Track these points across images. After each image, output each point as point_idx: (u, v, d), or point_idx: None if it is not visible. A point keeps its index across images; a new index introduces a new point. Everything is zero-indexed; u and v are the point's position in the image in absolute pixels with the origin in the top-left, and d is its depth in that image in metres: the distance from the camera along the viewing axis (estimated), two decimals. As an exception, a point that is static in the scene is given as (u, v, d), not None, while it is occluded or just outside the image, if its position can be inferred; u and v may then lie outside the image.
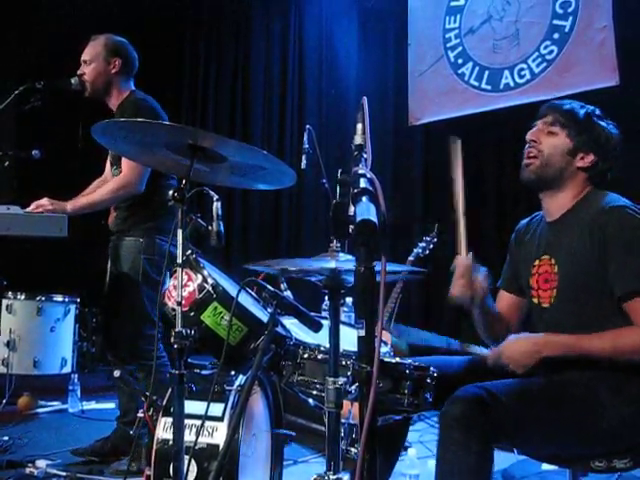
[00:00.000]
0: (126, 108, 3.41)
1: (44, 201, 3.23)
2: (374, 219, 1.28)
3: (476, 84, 5.31)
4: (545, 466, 3.19)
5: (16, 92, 3.31)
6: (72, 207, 3.29)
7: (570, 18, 4.81)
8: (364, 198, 1.35)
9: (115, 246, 3.48)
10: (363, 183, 1.40)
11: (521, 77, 5.05)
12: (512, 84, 5.10)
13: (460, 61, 5.44)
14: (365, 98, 1.65)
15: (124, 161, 3.32)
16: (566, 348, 2.00)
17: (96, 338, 4.39)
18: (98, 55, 3.46)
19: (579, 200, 2.17)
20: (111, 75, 3.47)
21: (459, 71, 5.43)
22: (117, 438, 3.48)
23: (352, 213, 1.35)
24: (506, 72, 5.14)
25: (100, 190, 3.42)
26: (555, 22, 4.89)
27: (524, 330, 2.25)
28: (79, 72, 3.46)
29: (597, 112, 2.20)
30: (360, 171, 1.46)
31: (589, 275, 2.03)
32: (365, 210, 1.30)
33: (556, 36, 4.87)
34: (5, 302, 4.37)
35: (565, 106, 2.20)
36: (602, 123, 2.18)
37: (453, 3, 5.52)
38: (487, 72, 5.26)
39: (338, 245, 1.85)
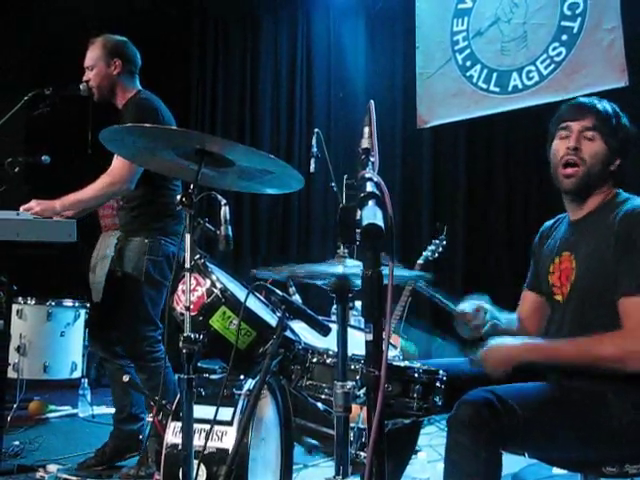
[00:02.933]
0: (129, 109, 3.41)
1: (32, 203, 3.18)
2: (380, 223, 1.28)
3: (484, 86, 5.30)
4: (556, 470, 3.17)
5: (25, 98, 3.31)
6: (61, 205, 3.24)
7: (578, 19, 4.79)
8: (370, 202, 1.35)
9: (121, 246, 3.47)
10: (370, 187, 1.40)
11: (529, 79, 5.04)
12: (520, 86, 5.08)
13: (468, 63, 5.42)
14: (372, 102, 1.64)
15: (116, 156, 3.26)
16: (543, 353, 2.03)
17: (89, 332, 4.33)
18: (98, 59, 3.45)
19: (605, 201, 2.13)
20: (113, 76, 3.46)
21: (467, 73, 5.42)
22: (116, 439, 3.50)
23: (359, 217, 1.34)
24: (514, 74, 5.12)
25: (90, 186, 3.34)
26: (563, 23, 4.87)
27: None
28: (84, 79, 3.46)
29: (618, 110, 2.16)
30: (367, 175, 1.46)
31: (605, 275, 2.01)
32: (371, 214, 1.30)
33: (564, 38, 4.85)
34: (15, 307, 4.39)
35: (599, 107, 2.11)
36: (626, 122, 2.14)
37: (461, 5, 5.51)
38: (495, 74, 5.24)
39: (346, 251, 1.85)
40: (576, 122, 2.11)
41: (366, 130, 1.62)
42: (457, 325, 2.33)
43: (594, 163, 2.08)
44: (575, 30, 4.79)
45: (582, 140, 2.10)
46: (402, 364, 2.01)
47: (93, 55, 3.47)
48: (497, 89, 5.22)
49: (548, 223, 2.40)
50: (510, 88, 5.15)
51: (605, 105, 2.14)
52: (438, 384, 1.95)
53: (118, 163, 3.27)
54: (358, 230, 1.34)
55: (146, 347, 3.34)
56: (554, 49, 4.90)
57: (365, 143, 1.60)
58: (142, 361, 3.35)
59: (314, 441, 2.51)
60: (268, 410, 2.46)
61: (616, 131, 2.10)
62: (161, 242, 3.36)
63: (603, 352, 1.92)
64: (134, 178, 3.29)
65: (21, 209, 3.17)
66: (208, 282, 2.14)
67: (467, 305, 2.30)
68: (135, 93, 3.50)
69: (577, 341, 1.99)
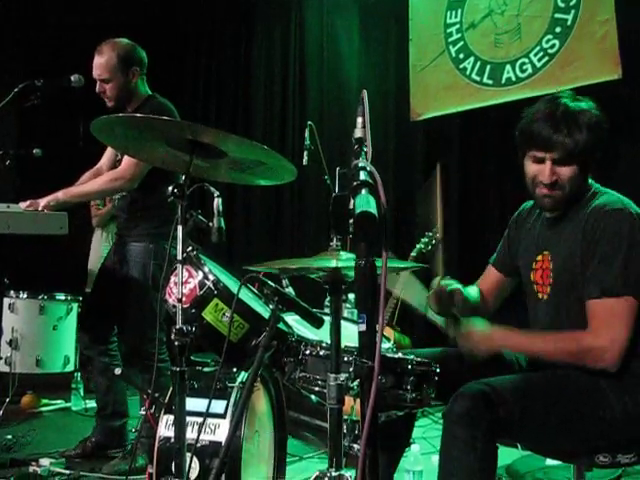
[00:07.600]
0: (145, 108, 3.36)
1: (35, 201, 3.20)
2: (373, 211, 1.27)
3: (478, 79, 5.29)
4: (549, 461, 3.18)
5: (15, 90, 3.27)
6: (64, 194, 3.27)
7: (572, 11, 4.77)
8: (363, 190, 1.34)
9: (122, 250, 3.48)
10: (363, 175, 1.39)
11: (523, 71, 5.03)
12: (514, 78, 5.07)
13: (461, 56, 5.41)
14: (365, 91, 1.64)
15: (125, 156, 3.31)
16: (513, 343, 2.10)
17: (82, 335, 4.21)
18: (115, 70, 3.34)
19: (578, 197, 2.12)
20: (132, 84, 3.41)
21: (460, 66, 5.40)
22: (99, 434, 3.55)
23: (352, 206, 1.33)
24: (508, 66, 5.11)
25: (95, 180, 3.42)
26: (557, 16, 4.86)
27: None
28: (99, 90, 3.39)
29: (593, 113, 2.03)
30: (360, 164, 1.45)
31: (578, 274, 2.03)
32: (364, 202, 1.29)
33: (558, 30, 4.84)
34: (7, 301, 4.36)
35: (572, 136, 1.97)
36: (597, 120, 2.02)
37: (454, -3, 5.50)
38: (489, 67, 5.23)
39: (338, 244, 1.84)
40: (548, 153, 2.03)
41: (359, 120, 1.61)
42: (430, 304, 2.33)
43: (572, 185, 2.05)
44: (569, 22, 4.78)
45: (556, 168, 2.03)
46: (395, 356, 2.00)
47: (107, 66, 3.34)
48: (490, 81, 5.21)
49: (528, 205, 2.38)
50: (503, 80, 5.14)
51: (581, 126, 1.98)
52: (432, 376, 1.95)
53: (127, 161, 3.30)
54: (351, 220, 1.33)
55: (152, 348, 3.34)
56: (547, 41, 4.89)
57: (358, 133, 1.59)
58: (149, 361, 3.33)
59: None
60: (261, 402, 2.46)
61: (590, 146, 2.00)
62: (165, 247, 3.35)
63: (568, 348, 1.97)
64: (138, 177, 3.31)
65: (22, 206, 3.14)
66: (201, 274, 2.13)
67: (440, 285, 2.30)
68: (149, 96, 3.48)
69: (548, 336, 2.05)
